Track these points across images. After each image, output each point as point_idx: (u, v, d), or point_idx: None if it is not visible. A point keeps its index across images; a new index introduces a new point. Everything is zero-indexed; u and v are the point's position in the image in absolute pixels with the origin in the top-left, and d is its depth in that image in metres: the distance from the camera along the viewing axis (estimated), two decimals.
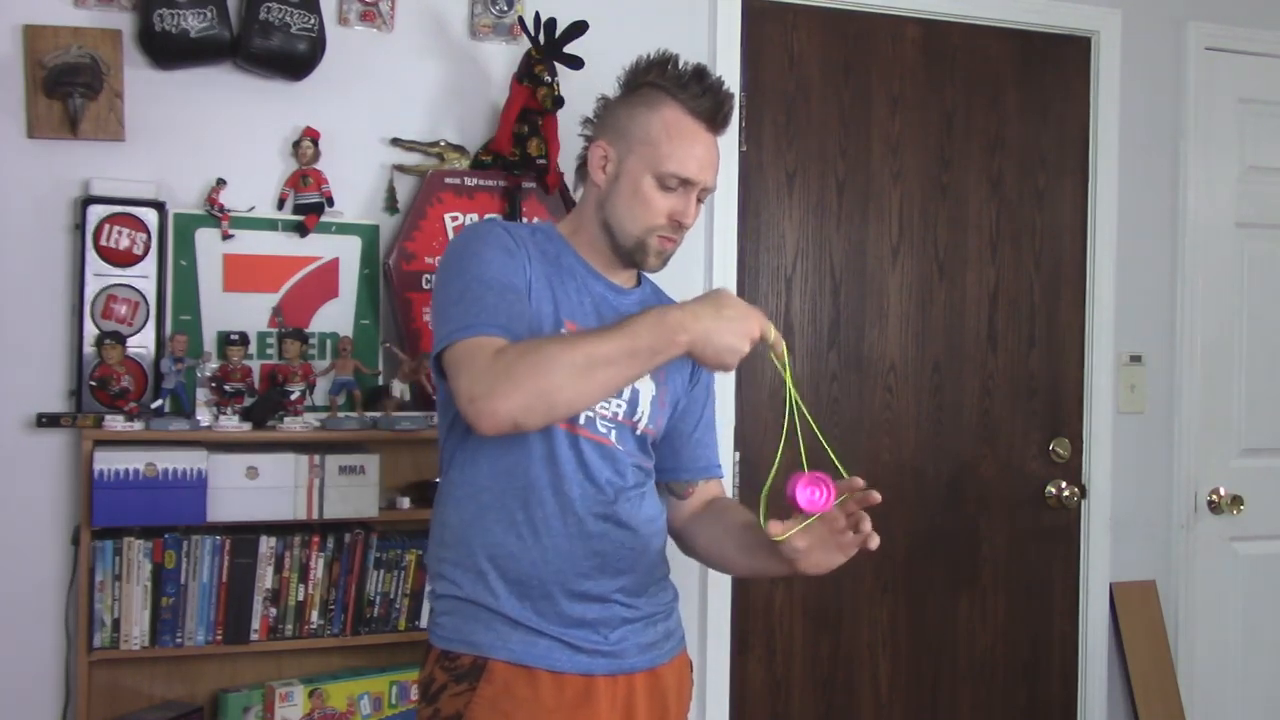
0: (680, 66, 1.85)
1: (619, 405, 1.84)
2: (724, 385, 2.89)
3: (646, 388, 1.87)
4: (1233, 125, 3.38)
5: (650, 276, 1.97)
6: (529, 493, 1.77)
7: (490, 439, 1.74)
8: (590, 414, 1.80)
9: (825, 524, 1.69)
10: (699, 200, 1.86)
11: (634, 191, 1.82)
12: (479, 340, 1.67)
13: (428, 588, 1.88)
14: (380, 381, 2.58)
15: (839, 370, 3.04)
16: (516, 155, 2.60)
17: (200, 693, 2.44)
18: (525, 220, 2.59)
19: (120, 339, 2.38)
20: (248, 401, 2.41)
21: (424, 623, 2.46)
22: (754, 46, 2.94)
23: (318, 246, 2.56)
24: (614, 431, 1.83)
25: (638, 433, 1.87)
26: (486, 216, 1.87)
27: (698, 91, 1.82)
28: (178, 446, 2.32)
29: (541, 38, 2.57)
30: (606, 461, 1.81)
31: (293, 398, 2.43)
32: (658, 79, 1.84)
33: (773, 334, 1.70)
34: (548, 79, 2.58)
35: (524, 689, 1.76)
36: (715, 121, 1.84)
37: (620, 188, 1.84)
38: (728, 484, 2.87)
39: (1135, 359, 3.29)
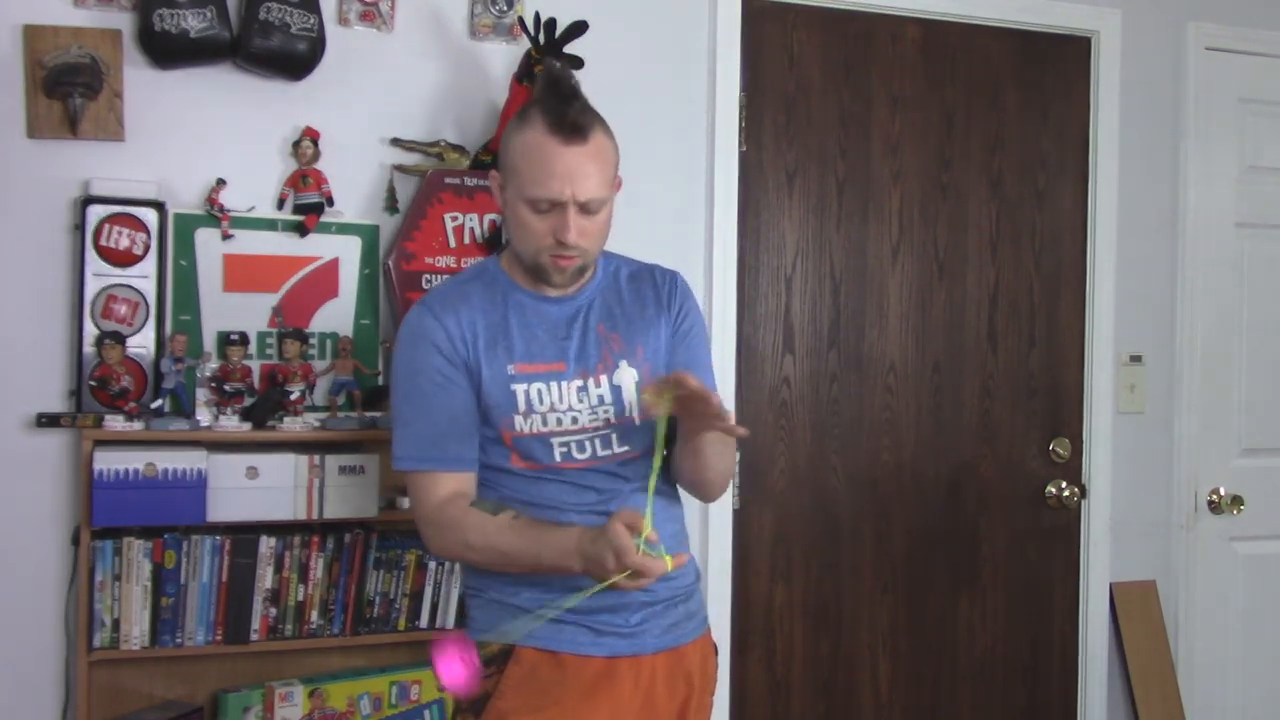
0: (546, 77, 1.87)
1: (598, 411, 1.88)
2: (724, 382, 2.89)
3: (627, 377, 1.91)
4: (1233, 125, 3.38)
5: (623, 261, 2.01)
6: (543, 499, 1.89)
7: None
8: (564, 445, 1.88)
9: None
10: (586, 211, 1.83)
11: (516, 219, 1.86)
12: (419, 479, 1.89)
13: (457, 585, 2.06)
14: (380, 381, 2.58)
15: (839, 370, 3.04)
16: None
17: (200, 693, 2.44)
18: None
19: (120, 339, 2.38)
20: (248, 401, 2.41)
21: (424, 622, 2.49)
22: (754, 46, 2.94)
23: (318, 246, 2.56)
24: (597, 441, 1.90)
25: (638, 423, 1.90)
26: (421, 300, 1.93)
27: (550, 105, 1.80)
28: (178, 446, 2.31)
29: (541, 38, 2.57)
30: (597, 474, 1.90)
31: (293, 398, 2.43)
32: (536, 91, 1.87)
33: (644, 534, 1.69)
34: None
35: (549, 671, 1.84)
36: (567, 132, 1.79)
37: (508, 217, 1.90)
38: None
39: (1135, 359, 3.29)
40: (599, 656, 1.85)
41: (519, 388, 1.86)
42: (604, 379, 1.90)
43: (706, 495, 2.04)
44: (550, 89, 1.82)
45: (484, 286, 1.93)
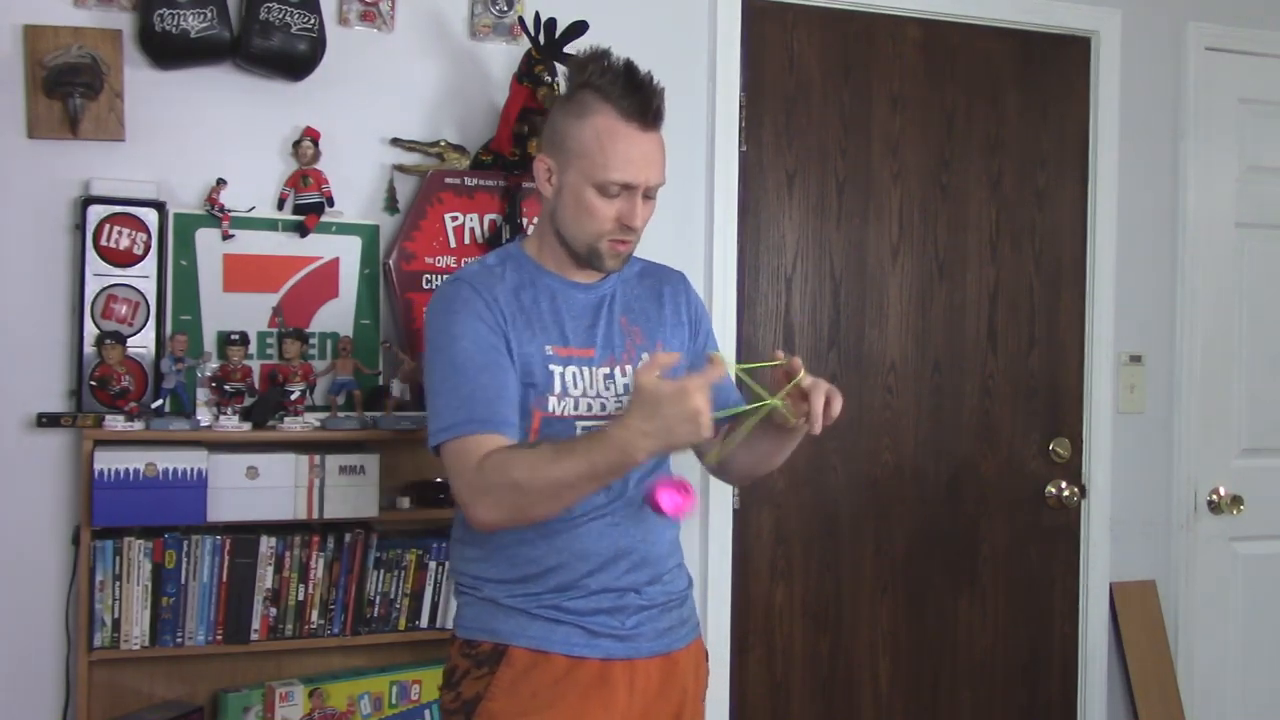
0: (609, 64, 1.86)
1: (624, 400, 1.88)
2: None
3: None
4: (1233, 125, 3.38)
5: (632, 257, 1.99)
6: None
7: None
8: (586, 431, 1.85)
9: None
10: (648, 197, 1.88)
11: (577, 203, 1.85)
12: (463, 444, 1.76)
13: (451, 582, 1.98)
14: (380, 381, 2.58)
15: (839, 370, 3.04)
16: (517, 155, 2.60)
17: (200, 693, 2.44)
18: (526, 222, 2.60)
19: (120, 339, 2.38)
20: (248, 401, 2.41)
21: (424, 622, 2.48)
22: (754, 46, 2.94)
23: (318, 246, 2.56)
24: None
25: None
26: (452, 276, 1.92)
27: (625, 91, 1.82)
28: (178, 446, 2.31)
29: (541, 38, 2.57)
30: None
31: (293, 398, 2.43)
32: (592, 78, 1.85)
33: (716, 371, 1.65)
34: (548, 79, 2.58)
35: (541, 672, 1.82)
36: (646, 119, 1.84)
37: (564, 199, 1.87)
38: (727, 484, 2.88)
39: (1135, 359, 3.29)
40: (594, 659, 1.84)
41: (555, 369, 1.85)
42: (628, 369, 1.91)
43: (744, 482, 2.05)
44: (626, 76, 1.83)
45: (513, 269, 1.92)
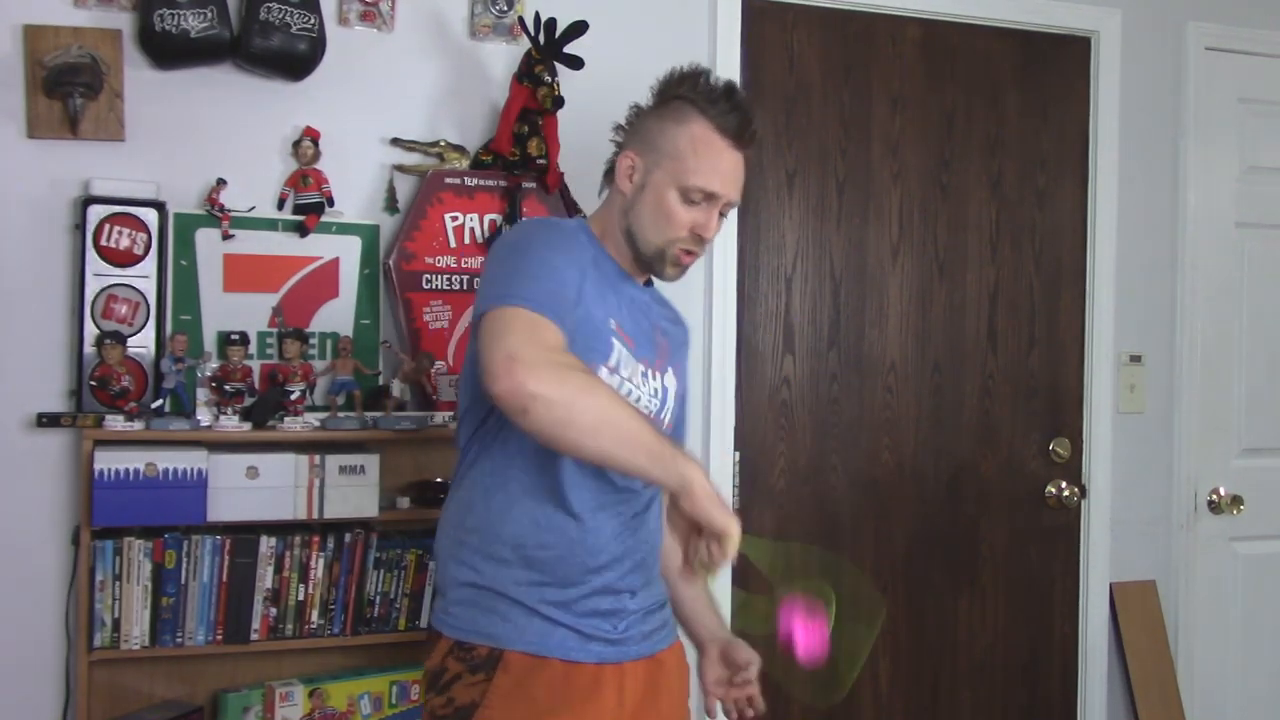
0: (711, 82, 1.89)
1: (653, 402, 1.90)
2: (724, 384, 2.90)
3: (672, 385, 1.96)
4: (1233, 125, 3.38)
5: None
6: (564, 489, 1.80)
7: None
8: None
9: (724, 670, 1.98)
10: (722, 215, 1.90)
11: (658, 203, 1.86)
12: (533, 317, 1.65)
13: (438, 575, 1.91)
14: (380, 381, 2.58)
15: (839, 370, 3.04)
16: (516, 155, 2.60)
17: (200, 693, 2.44)
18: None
19: (120, 339, 2.38)
20: (248, 401, 2.41)
21: (424, 622, 2.46)
22: (754, 46, 2.94)
23: (318, 246, 2.56)
24: None
25: (663, 429, 1.91)
26: (539, 219, 1.95)
27: (726, 108, 1.86)
28: (178, 446, 2.31)
29: (541, 38, 2.57)
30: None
31: (293, 398, 2.43)
32: (689, 92, 1.87)
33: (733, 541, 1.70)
34: (548, 79, 2.58)
35: (538, 679, 1.79)
36: (742, 138, 1.88)
37: (645, 198, 1.88)
38: (727, 484, 2.88)
39: (1135, 359, 3.29)
40: (588, 663, 1.82)
41: (616, 343, 1.84)
42: (660, 376, 1.93)
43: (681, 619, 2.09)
44: (726, 94, 1.87)
45: (588, 240, 1.91)
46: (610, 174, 1.96)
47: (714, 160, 1.85)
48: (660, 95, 1.92)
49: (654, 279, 1.98)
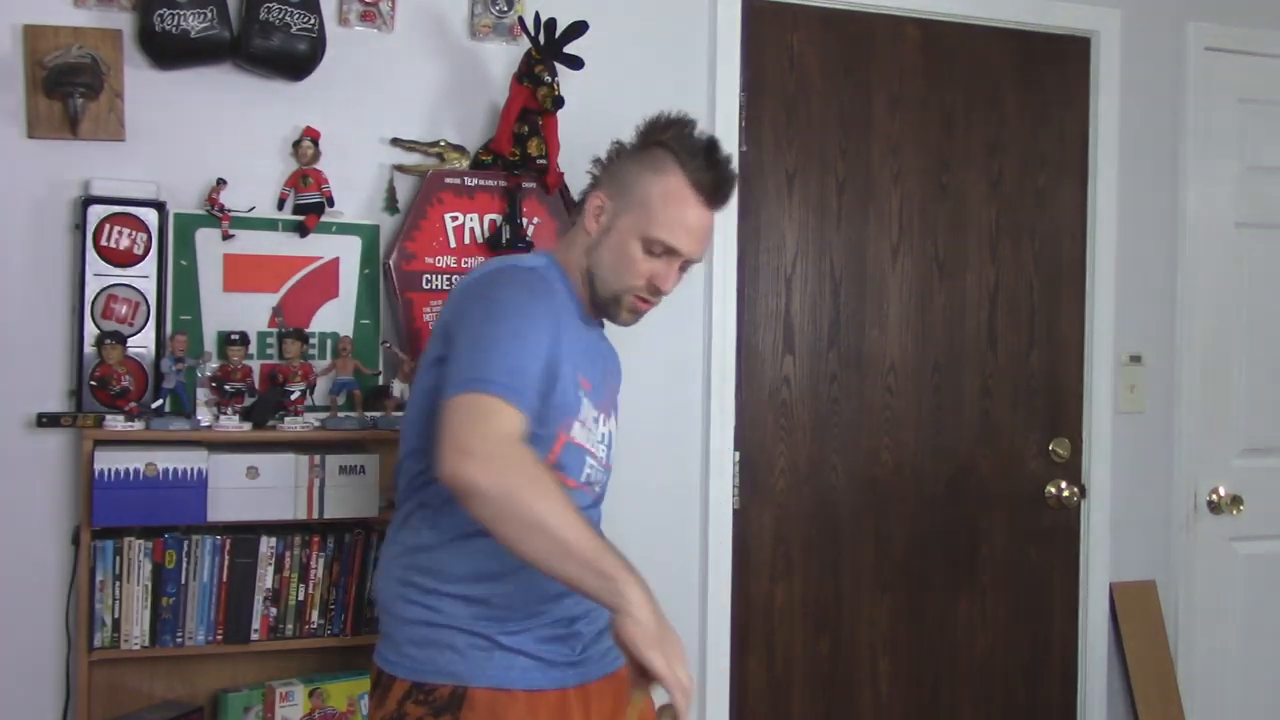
0: (695, 134, 1.87)
1: (600, 448, 1.91)
2: (724, 383, 2.90)
3: (613, 428, 1.98)
4: (1233, 125, 3.38)
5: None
6: None
7: None
8: (591, 466, 1.88)
9: None
10: (683, 270, 1.89)
11: (620, 249, 1.86)
12: (499, 404, 1.62)
13: (383, 618, 1.85)
14: (380, 381, 2.58)
15: (839, 370, 3.04)
16: (516, 155, 2.60)
17: (200, 693, 2.44)
18: (526, 222, 2.60)
19: (120, 339, 2.38)
20: (248, 401, 2.41)
21: None
22: (754, 46, 2.94)
23: (318, 246, 2.56)
24: (597, 471, 1.92)
25: (608, 475, 1.97)
26: (521, 263, 1.88)
27: (704, 164, 1.84)
28: (178, 446, 2.32)
29: (541, 38, 2.57)
30: (586, 510, 1.86)
31: (293, 398, 2.43)
32: (672, 140, 1.86)
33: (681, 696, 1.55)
34: (548, 79, 2.58)
35: (507, 713, 1.76)
36: (715, 197, 1.86)
37: (608, 241, 1.87)
38: (727, 484, 2.88)
39: (1135, 359, 3.29)
40: (551, 690, 1.80)
41: (583, 397, 1.85)
42: (607, 420, 1.94)
43: None
44: (707, 151, 1.85)
45: (561, 284, 1.89)
46: (581, 205, 1.95)
47: (682, 215, 1.84)
48: (643, 137, 1.91)
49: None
